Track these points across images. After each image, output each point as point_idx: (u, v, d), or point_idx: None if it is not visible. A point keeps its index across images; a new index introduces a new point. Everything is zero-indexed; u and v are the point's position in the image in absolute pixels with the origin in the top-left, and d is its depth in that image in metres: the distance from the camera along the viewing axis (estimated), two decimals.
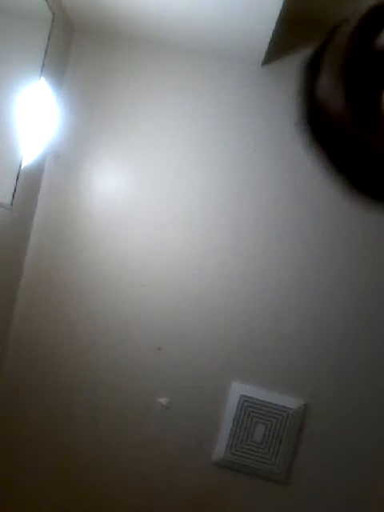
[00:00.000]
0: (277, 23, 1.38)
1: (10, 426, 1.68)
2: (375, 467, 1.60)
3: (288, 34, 1.61)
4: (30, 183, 1.61)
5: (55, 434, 1.67)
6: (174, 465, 1.64)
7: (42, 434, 1.67)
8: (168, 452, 1.64)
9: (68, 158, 1.68)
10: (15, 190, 1.49)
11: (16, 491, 1.68)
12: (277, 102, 1.64)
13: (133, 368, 1.65)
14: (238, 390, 1.61)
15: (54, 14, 1.49)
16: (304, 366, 1.61)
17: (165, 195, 1.65)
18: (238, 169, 1.64)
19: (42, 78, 1.52)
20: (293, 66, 1.64)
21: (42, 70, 1.50)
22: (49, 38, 1.50)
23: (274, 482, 1.62)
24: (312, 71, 0.40)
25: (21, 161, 1.49)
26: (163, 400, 1.63)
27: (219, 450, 1.61)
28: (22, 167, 1.50)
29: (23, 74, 1.44)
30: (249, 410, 1.60)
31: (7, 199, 1.47)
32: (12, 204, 1.49)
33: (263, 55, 1.57)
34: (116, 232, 1.66)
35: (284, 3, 1.28)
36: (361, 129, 0.34)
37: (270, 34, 1.44)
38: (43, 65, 1.50)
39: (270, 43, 1.50)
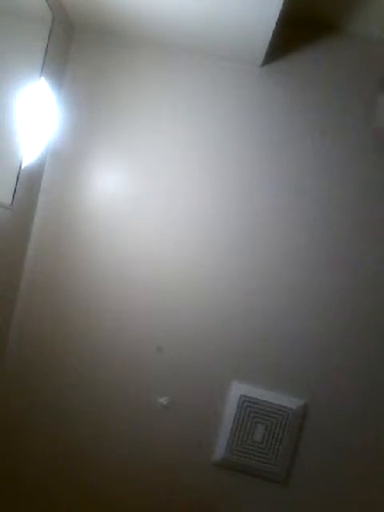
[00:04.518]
0: (277, 23, 1.38)
1: (9, 425, 1.68)
2: (375, 467, 1.61)
3: (288, 34, 1.61)
4: (29, 183, 1.62)
5: (55, 433, 1.67)
6: (173, 465, 1.64)
7: (41, 433, 1.67)
8: (168, 452, 1.64)
9: (68, 157, 1.69)
10: (15, 190, 1.49)
11: (15, 491, 1.68)
12: (277, 102, 1.64)
13: (133, 368, 1.65)
14: (237, 390, 1.61)
15: (53, 14, 1.49)
16: (304, 366, 1.61)
17: (165, 195, 1.65)
18: (237, 168, 1.64)
19: (42, 78, 1.52)
20: (293, 66, 1.64)
21: (41, 70, 1.50)
22: (49, 38, 1.50)
23: (273, 482, 1.62)
24: None
25: (21, 161, 1.49)
26: (163, 400, 1.64)
27: (219, 450, 1.61)
28: (21, 167, 1.50)
29: (23, 73, 1.44)
30: (249, 409, 1.60)
31: (7, 199, 1.47)
32: (12, 204, 1.49)
33: (263, 55, 1.57)
34: (116, 232, 1.66)
35: (284, 3, 1.28)
36: None
37: (270, 34, 1.44)
38: (43, 65, 1.50)
39: (269, 43, 1.50)
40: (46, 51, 1.50)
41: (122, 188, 1.67)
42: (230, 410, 1.61)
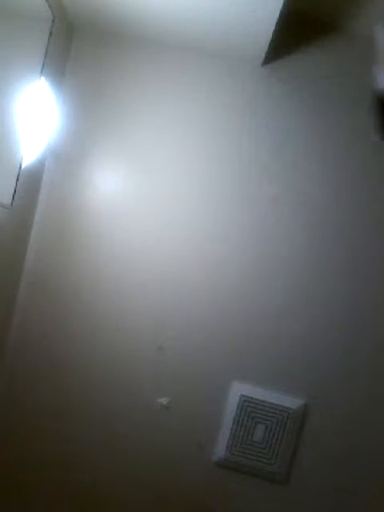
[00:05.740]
0: (277, 23, 1.38)
1: (9, 425, 1.68)
2: (375, 467, 1.61)
3: (288, 34, 1.61)
4: (30, 183, 1.61)
5: (55, 433, 1.67)
6: (173, 465, 1.64)
7: (41, 434, 1.67)
8: (168, 452, 1.64)
9: (68, 157, 1.68)
10: (15, 190, 1.49)
11: (15, 491, 1.68)
12: (277, 101, 1.64)
13: (133, 368, 1.65)
14: (238, 390, 1.61)
15: (54, 14, 1.49)
16: (304, 365, 1.61)
17: (165, 195, 1.65)
18: (238, 168, 1.64)
19: (42, 78, 1.52)
20: (293, 66, 1.64)
21: (42, 70, 1.50)
22: (49, 38, 1.50)
23: (273, 482, 1.62)
24: None
25: (21, 161, 1.49)
26: (163, 400, 1.64)
27: (219, 450, 1.61)
28: (22, 167, 1.50)
29: (23, 73, 1.44)
30: (249, 409, 1.60)
31: (7, 199, 1.47)
32: (12, 204, 1.49)
33: (264, 55, 1.57)
34: (116, 231, 1.66)
35: (284, 3, 1.28)
36: None
37: (270, 34, 1.44)
38: (43, 65, 1.50)
39: (270, 43, 1.50)
40: (46, 51, 1.50)
41: (121, 188, 1.67)
42: (230, 409, 1.61)
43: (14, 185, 1.48)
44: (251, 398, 1.60)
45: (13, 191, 1.48)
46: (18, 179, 1.49)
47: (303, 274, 1.61)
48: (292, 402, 1.60)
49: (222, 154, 1.64)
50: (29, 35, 1.44)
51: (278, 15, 1.33)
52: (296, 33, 1.64)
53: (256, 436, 1.60)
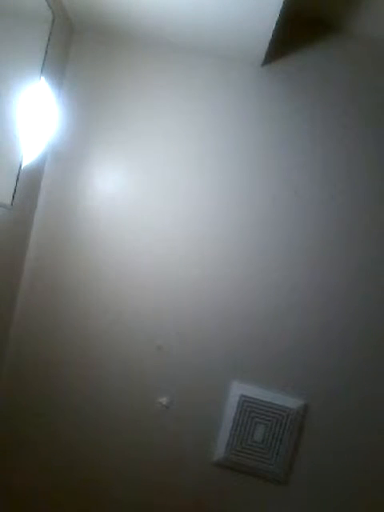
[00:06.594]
0: (277, 23, 1.38)
1: (10, 425, 1.68)
2: (375, 467, 1.61)
3: (288, 34, 1.61)
4: (30, 183, 1.62)
5: (54, 433, 1.67)
6: (173, 465, 1.64)
7: (41, 433, 1.67)
8: (168, 452, 1.64)
9: (68, 157, 1.69)
10: (15, 190, 1.49)
11: (14, 491, 1.68)
12: (277, 102, 1.64)
13: (132, 368, 1.65)
14: (238, 389, 1.61)
15: (54, 14, 1.49)
16: (304, 365, 1.61)
17: (165, 194, 1.65)
18: (237, 168, 1.64)
19: (42, 78, 1.52)
20: (293, 65, 1.64)
21: (42, 70, 1.50)
22: (49, 38, 1.50)
23: (273, 482, 1.62)
24: None
25: (21, 161, 1.49)
26: (163, 400, 1.64)
27: (219, 450, 1.62)
28: (22, 167, 1.50)
29: (23, 73, 1.44)
30: (249, 409, 1.60)
31: (7, 199, 1.47)
32: (12, 204, 1.49)
33: (263, 55, 1.57)
34: (116, 232, 1.66)
35: (284, 3, 1.28)
36: None
37: (271, 34, 1.44)
38: (43, 65, 1.50)
39: (270, 43, 1.50)
40: (46, 51, 1.50)
41: (121, 188, 1.67)
42: (230, 409, 1.61)
43: (14, 185, 1.48)
44: (251, 397, 1.60)
45: (13, 191, 1.48)
46: (17, 179, 1.49)
47: (305, 273, 1.62)
48: (292, 401, 1.60)
49: (222, 154, 1.65)
50: (29, 35, 1.44)
51: (278, 15, 1.33)
52: (296, 33, 1.64)
53: (256, 436, 1.60)
